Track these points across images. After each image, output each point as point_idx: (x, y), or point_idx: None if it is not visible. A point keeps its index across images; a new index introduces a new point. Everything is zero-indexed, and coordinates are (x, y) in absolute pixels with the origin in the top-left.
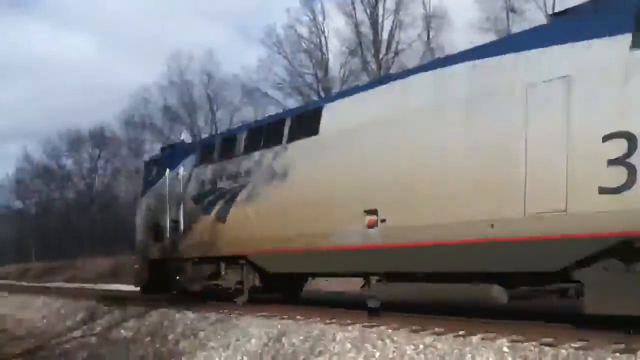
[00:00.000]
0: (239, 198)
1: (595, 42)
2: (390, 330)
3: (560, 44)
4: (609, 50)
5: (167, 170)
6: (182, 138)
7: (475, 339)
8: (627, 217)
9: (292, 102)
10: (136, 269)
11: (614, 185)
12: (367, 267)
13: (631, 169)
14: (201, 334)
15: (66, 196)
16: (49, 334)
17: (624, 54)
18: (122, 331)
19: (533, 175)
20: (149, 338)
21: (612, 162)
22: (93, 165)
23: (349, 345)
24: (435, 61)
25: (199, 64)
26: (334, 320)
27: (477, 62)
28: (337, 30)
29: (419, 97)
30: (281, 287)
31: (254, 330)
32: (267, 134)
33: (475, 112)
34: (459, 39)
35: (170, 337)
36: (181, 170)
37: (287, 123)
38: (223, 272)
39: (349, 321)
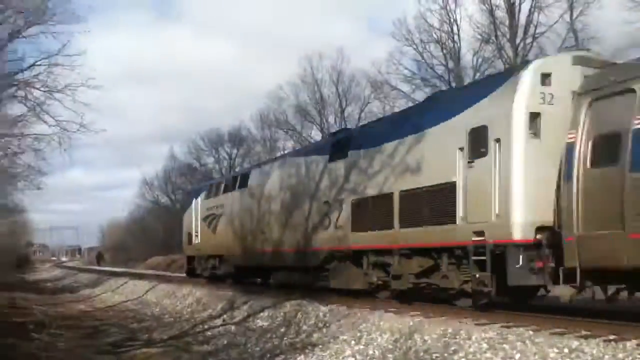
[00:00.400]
0: (220, 220)
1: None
2: (530, 332)
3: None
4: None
5: (194, 199)
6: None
7: (629, 344)
8: None
9: (421, 95)
10: (190, 260)
11: None
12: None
13: None
14: (333, 326)
15: None
16: (193, 322)
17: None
18: (258, 321)
19: None
20: (283, 328)
21: None
22: (231, 162)
23: (485, 345)
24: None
25: (329, 62)
26: (468, 319)
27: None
28: (470, 17)
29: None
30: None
31: (385, 325)
32: (229, 183)
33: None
34: (608, 16)
35: (304, 328)
36: (199, 200)
37: (237, 178)
38: (217, 264)
39: (484, 320)
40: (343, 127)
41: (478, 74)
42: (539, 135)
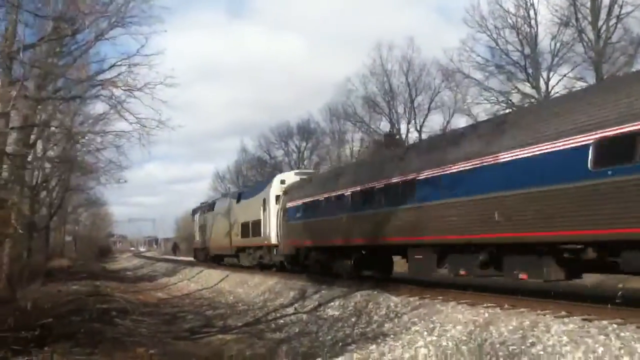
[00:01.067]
0: (213, 227)
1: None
2: (614, 325)
3: None
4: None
5: (196, 215)
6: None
7: None
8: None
9: (495, 82)
10: (195, 250)
11: None
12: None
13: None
14: (405, 317)
15: None
16: (266, 310)
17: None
18: (329, 310)
19: None
20: (354, 318)
21: None
22: (300, 155)
23: (565, 339)
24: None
25: (399, 52)
26: (547, 311)
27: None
28: None
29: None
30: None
31: (459, 316)
32: (206, 208)
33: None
34: None
35: (375, 318)
36: (196, 216)
37: (213, 205)
38: (206, 253)
39: (564, 312)
40: (413, 116)
41: (557, 59)
42: (278, 204)
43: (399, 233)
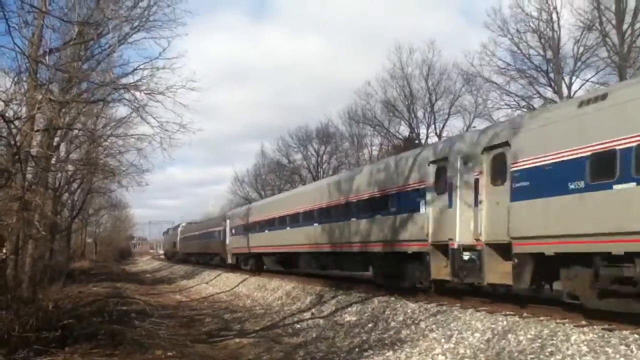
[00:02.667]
0: (183, 239)
1: None
2: (636, 335)
3: None
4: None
5: (178, 229)
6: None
7: None
8: None
9: (516, 87)
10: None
11: None
12: None
13: None
14: (422, 324)
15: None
16: (283, 314)
17: None
18: (346, 316)
19: None
20: (371, 324)
21: None
22: (319, 159)
23: (585, 348)
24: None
25: (420, 55)
26: (566, 320)
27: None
28: (571, 2)
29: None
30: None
31: (477, 324)
32: (178, 229)
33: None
34: None
35: (392, 324)
36: (178, 230)
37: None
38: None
39: (584, 322)
40: (433, 120)
41: (580, 63)
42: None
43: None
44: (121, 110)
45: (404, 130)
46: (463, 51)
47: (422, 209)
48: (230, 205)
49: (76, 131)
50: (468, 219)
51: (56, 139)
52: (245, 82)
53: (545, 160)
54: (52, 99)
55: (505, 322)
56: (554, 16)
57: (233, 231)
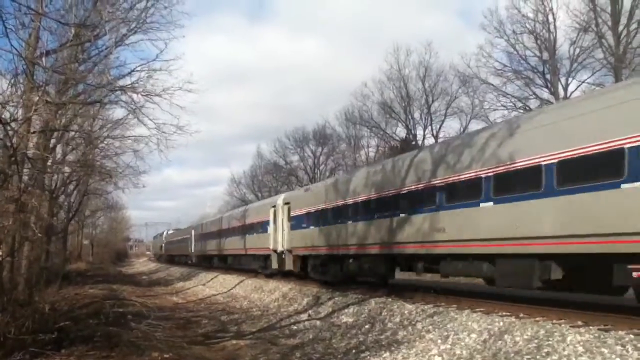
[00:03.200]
0: (167, 243)
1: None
2: (632, 336)
3: None
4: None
5: (163, 234)
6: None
7: None
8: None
9: (512, 88)
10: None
11: None
12: None
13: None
14: (419, 325)
15: (292, 190)
16: (280, 315)
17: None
18: (343, 317)
19: None
20: (368, 325)
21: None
22: (315, 160)
23: (581, 349)
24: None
25: (417, 57)
26: (562, 321)
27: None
28: (567, 4)
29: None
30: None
31: (474, 325)
32: (165, 234)
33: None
34: None
35: (389, 325)
36: (164, 235)
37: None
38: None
39: (580, 322)
40: (430, 122)
41: (576, 65)
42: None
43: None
44: (118, 112)
45: (401, 132)
46: (460, 53)
47: (269, 231)
48: (227, 207)
49: (73, 133)
50: (281, 237)
51: (52, 141)
52: (244, 83)
53: (300, 213)
54: (48, 101)
55: (501, 323)
56: (550, 17)
57: (195, 239)
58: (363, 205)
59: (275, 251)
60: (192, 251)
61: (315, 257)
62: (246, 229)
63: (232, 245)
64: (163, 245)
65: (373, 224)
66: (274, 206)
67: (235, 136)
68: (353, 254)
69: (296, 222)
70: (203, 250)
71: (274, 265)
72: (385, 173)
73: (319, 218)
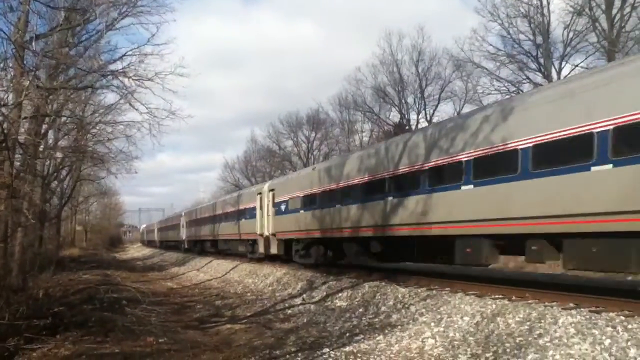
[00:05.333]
0: (156, 230)
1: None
2: (622, 317)
3: None
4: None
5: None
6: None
7: None
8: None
9: (506, 72)
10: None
11: None
12: None
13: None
14: (412, 308)
15: (286, 175)
16: (274, 300)
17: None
18: (337, 301)
19: None
20: (362, 309)
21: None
22: (309, 145)
23: (572, 330)
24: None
25: (410, 41)
26: (554, 303)
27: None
28: None
29: None
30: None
31: (467, 307)
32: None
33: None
34: None
35: (383, 309)
36: (155, 225)
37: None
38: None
39: (572, 304)
40: (423, 106)
41: (569, 49)
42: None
43: None
44: (109, 97)
45: (395, 116)
46: (454, 37)
47: (256, 217)
48: (220, 192)
49: (64, 118)
50: (267, 222)
51: (44, 126)
52: (238, 67)
53: (282, 199)
54: (39, 86)
55: (494, 306)
56: (544, 1)
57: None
58: (330, 193)
59: (261, 236)
60: (184, 237)
61: (297, 241)
62: (234, 215)
63: (223, 230)
64: (155, 232)
65: (339, 210)
66: (260, 193)
67: (230, 121)
68: (330, 237)
69: (279, 208)
70: (195, 235)
71: (261, 249)
72: (342, 167)
73: (299, 204)
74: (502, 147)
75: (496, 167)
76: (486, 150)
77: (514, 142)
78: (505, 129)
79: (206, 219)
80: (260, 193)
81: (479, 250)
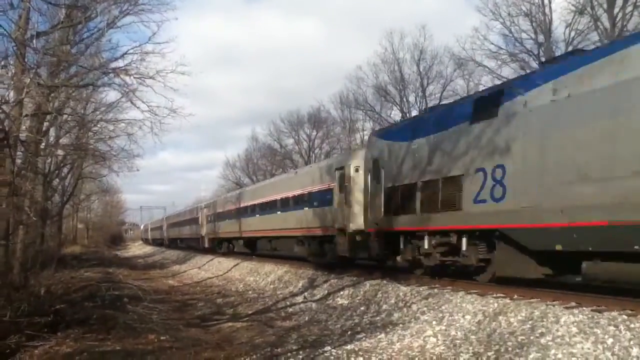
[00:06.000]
0: (167, 225)
1: None
2: (624, 316)
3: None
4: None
5: (163, 217)
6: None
7: None
8: None
9: (508, 71)
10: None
11: None
12: None
13: None
14: (414, 306)
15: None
16: (275, 298)
17: None
18: (338, 299)
19: None
20: (363, 307)
21: None
22: (310, 144)
23: (574, 329)
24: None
25: (411, 40)
26: (556, 302)
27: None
28: None
29: None
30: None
31: (468, 306)
32: (166, 220)
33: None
34: None
35: (384, 307)
36: (164, 217)
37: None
38: (167, 241)
39: (573, 303)
40: (425, 105)
41: (571, 47)
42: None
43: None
44: (111, 95)
45: (396, 115)
46: (455, 35)
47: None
48: (222, 190)
49: (66, 116)
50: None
51: (46, 124)
52: (240, 65)
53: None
54: (40, 83)
55: (496, 305)
56: (546, 0)
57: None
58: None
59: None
60: (203, 234)
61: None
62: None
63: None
64: (164, 227)
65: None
66: (342, 167)
67: (232, 119)
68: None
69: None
70: (221, 232)
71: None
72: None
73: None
74: (272, 198)
75: (270, 206)
76: (267, 198)
77: (274, 197)
78: (273, 190)
79: (242, 210)
80: (341, 168)
81: (266, 244)
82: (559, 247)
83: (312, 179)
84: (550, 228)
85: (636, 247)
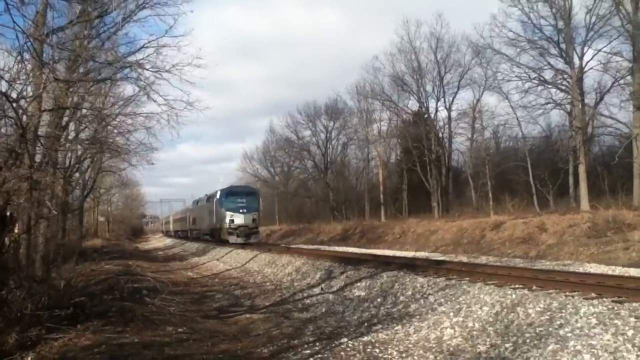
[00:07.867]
0: (174, 220)
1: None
2: None
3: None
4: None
5: (170, 214)
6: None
7: None
8: None
9: (527, 58)
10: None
11: None
12: None
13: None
14: (431, 298)
15: (304, 165)
16: (293, 290)
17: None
18: (355, 291)
19: None
20: (380, 299)
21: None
22: (327, 135)
23: (594, 321)
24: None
25: (428, 29)
26: (575, 293)
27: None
28: None
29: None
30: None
31: (486, 297)
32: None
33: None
34: None
35: (401, 299)
36: (170, 215)
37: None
38: (174, 233)
39: (593, 294)
40: (442, 94)
41: (592, 33)
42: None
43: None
44: (129, 89)
45: (413, 105)
46: (472, 23)
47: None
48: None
49: (84, 110)
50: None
51: (65, 119)
52: (259, 56)
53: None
54: (57, 79)
55: (514, 296)
56: None
57: (173, 220)
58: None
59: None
60: (171, 228)
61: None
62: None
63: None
64: (188, 219)
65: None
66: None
67: (252, 111)
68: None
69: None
70: (173, 228)
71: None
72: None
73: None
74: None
75: (183, 220)
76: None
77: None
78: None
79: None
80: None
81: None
82: None
83: (206, 203)
84: None
85: None
